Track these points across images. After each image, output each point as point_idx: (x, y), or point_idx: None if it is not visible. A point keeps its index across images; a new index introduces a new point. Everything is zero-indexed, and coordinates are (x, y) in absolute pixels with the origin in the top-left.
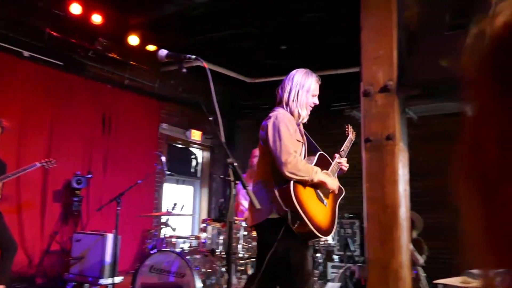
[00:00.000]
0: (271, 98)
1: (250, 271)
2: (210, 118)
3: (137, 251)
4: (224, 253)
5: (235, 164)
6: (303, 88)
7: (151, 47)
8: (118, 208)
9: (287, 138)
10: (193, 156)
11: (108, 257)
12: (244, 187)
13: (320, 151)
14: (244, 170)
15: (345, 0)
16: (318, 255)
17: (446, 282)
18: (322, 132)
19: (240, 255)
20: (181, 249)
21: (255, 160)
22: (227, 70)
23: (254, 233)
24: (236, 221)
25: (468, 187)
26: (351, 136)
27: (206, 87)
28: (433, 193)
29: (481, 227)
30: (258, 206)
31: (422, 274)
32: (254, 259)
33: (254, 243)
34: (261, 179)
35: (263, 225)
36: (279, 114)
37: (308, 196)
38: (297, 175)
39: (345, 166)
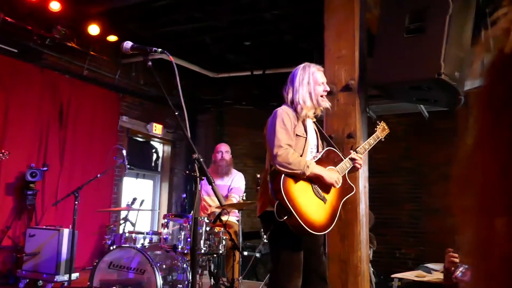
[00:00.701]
0: (234, 93)
1: (212, 267)
2: (176, 113)
3: (95, 247)
4: (185, 249)
5: (201, 159)
6: (302, 82)
7: (112, 38)
8: (76, 202)
9: (280, 132)
10: (153, 150)
11: (64, 253)
12: (210, 183)
13: (330, 147)
14: (207, 165)
15: None
16: None
17: (401, 276)
18: None
19: (202, 251)
20: (141, 245)
21: (219, 156)
22: (190, 63)
23: (216, 229)
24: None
25: (465, 212)
26: (379, 133)
27: (168, 80)
28: (388, 189)
29: (476, 251)
30: (223, 202)
31: (370, 269)
32: (216, 255)
33: (217, 239)
34: (266, 173)
35: (262, 217)
36: (279, 110)
37: (301, 190)
38: (287, 168)
39: (359, 164)
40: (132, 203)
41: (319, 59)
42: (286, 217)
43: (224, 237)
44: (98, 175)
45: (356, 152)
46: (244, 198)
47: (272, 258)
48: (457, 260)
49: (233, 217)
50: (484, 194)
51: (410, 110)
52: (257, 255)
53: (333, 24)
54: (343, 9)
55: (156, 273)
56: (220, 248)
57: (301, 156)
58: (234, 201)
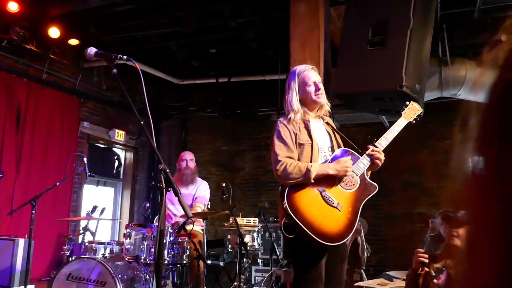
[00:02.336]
0: (199, 100)
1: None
2: (141, 122)
3: (52, 257)
4: (148, 259)
5: (167, 170)
6: (289, 87)
7: (73, 41)
8: (33, 212)
9: (277, 146)
10: (115, 157)
11: (19, 264)
12: (176, 194)
13: (346, 146)
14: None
15: (275, 8)
16: (244, 260)
17: (364, 284)
18: (249, 136)
19: (166, 262)
20: (102, 256)
21: (183, 164)
22: (154, 70)
23: (181, 239)
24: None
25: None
26: (405, 117)
27: (131, 86)
28: None
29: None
30: (190, 214)
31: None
32: (179, 265)
33: (181, 249)
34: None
35: (282, 229)
36: (277, 122)
37: (310, 202)
38: (290, 180)
39: (378, 158)
40: (92, 211)
41: (284, 68)
42: (293, 235)
43: (188, 247)
44: (57, 183)
45: (376, 147)
46: (209, 206)
47: (293, 270)
48: (426, 260)
49: (197, 226)
50: None
51: (372, 120)
52: (221, 263)
53: (298, 34)
54: (308, 19)
55: (118, 285)
56: (184, 258)
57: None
58: (199, 210)
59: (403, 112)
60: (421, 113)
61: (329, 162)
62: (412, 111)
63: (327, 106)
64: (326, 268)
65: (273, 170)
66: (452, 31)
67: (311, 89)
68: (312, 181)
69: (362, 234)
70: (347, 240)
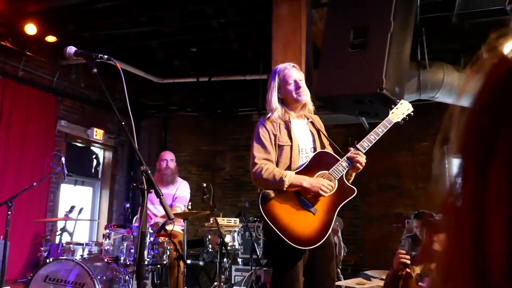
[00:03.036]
0: (179, 99)
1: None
2: (123, 123)
3: (28, 259)
4: (128, 260)
5: (149, 172)
6: (270, 87)
7: (50, 38)
8: (9, 212)
9: (255, 148)
10: (94, 156)
11: None
12: (158, 196)
13: (324, 147)
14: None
15: (258, 9)
16: (225, 259)
17: (343, 284)
18: (230, 136)
19: (145, 262)
20: (80, 257)
21: (164, 164)
22: (133, 68)
23: (161, 239)
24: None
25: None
26: (392, 117)
27: (110, 84)
28: None
29: None
30: (172, 216)
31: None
32: (159, 266)
33: (161, 249)
34: None
35: (262, 231)
36: (258, 124)
37: (284, 205)
38: (264, 185)
39: (359, 161)
40: (70, 211)
41: (266, 69)
42: (270, 237)
43: (168, 247)
44: (34, 184)
45: (358, 149)
46: (189, 207)
47: (272, 270)
48: (408, 261)
49: (177, 227)
50: None
51: (352, 121)
52: (201, 263)
53: (281, 36)
54: (290, 21)
55: (97, 286)
56: (164, 258)
57: (289, 165)
58: (179, 210)
59: (390, 112)
60: (411, 111)
61: (307, 164)
62: (400, 110)
63: (310, 105)
64: (314, 269)
65: (251, 171)
66: (430, 35)
67: (292, 87)
68: (285, 189)
69: (339, 233)
70: (326, 238)
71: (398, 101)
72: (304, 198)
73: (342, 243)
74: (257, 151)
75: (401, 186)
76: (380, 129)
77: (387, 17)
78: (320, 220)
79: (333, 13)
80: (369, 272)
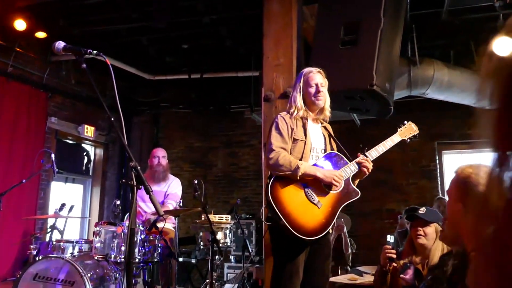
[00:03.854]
0: (171, 95)
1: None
2: (112, 119)
3: (18, 257)
4: (119, 258)
5: (138, 168)
6: (295, 85)
7: (40, 34)
8: None
9: (273, 136)
10: (85, 153)
11: None
12: (148, 192)
13: (338, 151)
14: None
15: (249, 5)
16: (216, 257)
17: (335, 280)
18: (222, 133)
19: (136, 260)
20: (70, 254)
21: (155, 161)
22: (124, 64)
23: (152, 236)
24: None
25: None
26: (400, 134)
27: (101, 81)
28: None
29: None
30: (162, 213)
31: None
32: (151, 263)
33: (152, 246)
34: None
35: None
36: (277, 116)
37: (292, 194)
38: (278, 170)
39: (367, 167)
40: (60, 209)
41: (258, 65)
42: (270, 222)
43: (159, 245)
44: (24, 181)
45: (366, 156)
46: (181, 204)
47: (274, 263)
48: (394, 256)
49: (169, 224)
50: None
51: (343, 118)
52: (193, 261)
53: (272, 32)
54: (281, 17)
55: (87, 284)
56: (156, 256)
57: (300, 159)
58: (171, 207)
59: (399, 129)
60: (417, 134)
61: (320, 160)
62: (408, 130)
63: (327, 112)
64: (311, 266)
65: (265, 158)
66: (421, 32)
67: (312, 90)
68: (299, 178)
69: (345, 230)
70: (324, 236)
71: (406, 122)
72: (310, 192)
73: (348, 239)
74: (275, 139)
75: (393, 182)
76: (388, 143)
77: (378, 13)
78: (324, 214)
79: (324, 10)
80: (361, 268)
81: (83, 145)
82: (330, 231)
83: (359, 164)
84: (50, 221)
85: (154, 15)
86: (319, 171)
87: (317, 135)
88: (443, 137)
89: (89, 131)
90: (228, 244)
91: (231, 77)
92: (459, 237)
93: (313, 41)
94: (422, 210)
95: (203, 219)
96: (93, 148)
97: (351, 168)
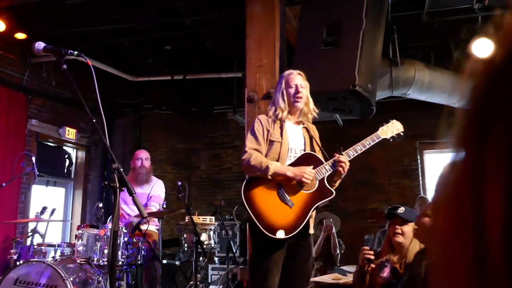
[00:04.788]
0: (154, 97)
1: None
2: (93, 120)
3: None
4: (102, 261)
5: (121, 169)
6: (277, 86)
7: (20, 35)
8: None
9: (248, 138)
10: (66, 156)
11: None
12: (131, 194)
13: (311, 151)
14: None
15: (230, 6)
16: (201, 258)
17: (319, 280)
18: (205, 134)
19: (120, 263)
20: (52, 258)
21: (138, 163)
22: (106, 66)
23: (135, 239)
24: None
25: None
26: (381, 133)
27: (83, 82)
28: None
29: None
30: (145, 214)
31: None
32: (134, 266)
33: (135, 249)
34: None
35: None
36: (256, 118)
37: (264, 194)
38: (250, 171)
39: (343, 167)
40: (42, 213)
41: (240, 67)
42: (248, 225)
43: (143, 247)
44: (3, 184)
45: (342, 155)
46: (165, 206)
47: (249, 263)
48: (372, 257)
49: (152, 226)
50: None
51: (326, 118)
52: (177, 263)
53: (255, 33)
54: (264, 18)
55: (69, 287)
56: (139, 258)
57: (277, 160)
58: (154, 209)
59: (380, 128)
60: (401, 131)
61: (293, 162)
62: (391, 129)
63: (310, 114)
64: (291, 267)
65: (240, 158)
66: (402, 33)
67: (292, 91)
68: (269, 177)
69: (334, 231)
70: (303, 237)
71: (390, 120)
72: (284, 191)
73: (337, 240)
74: (249, 141)
75: (375, 182)
76: (368, 142)
77: (359, 14)
78: (295, 213)
79: (306, 11)
80: (345, 267)
81: (64, 147)
82: (312, 232)
83: (335, 163)
84: (31, 225)
85: (136, 16)
86: (289, 169)
87: (296, 136)
88: (424, 137)
89: (70, 133)
90: (212, 245)
91: (214, 78)
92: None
93: (295, 42)
94: (402, 209)
95: (187, 220)
96: (75, 150)
97: (326, 168)
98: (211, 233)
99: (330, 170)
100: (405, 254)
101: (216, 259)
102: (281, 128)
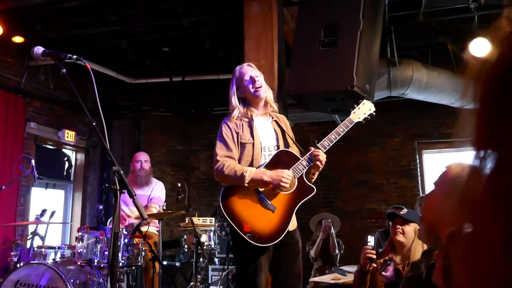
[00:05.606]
0: (152, 99)
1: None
2: (93, 123)
3: None
4: (102, 262)
5: (121, 172)
6: (230, 87)
7: (17, 39)
8: None
9: (217, 146)
10: (65, 158)
11: None
12: (131, 196)
13: (285, 148)
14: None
15: (228, 7)
16: (201, 259)
17: (318, 280)
18: (204, 135)
19: (120, 264)
20: (52, 260)
21: (138, 165)
22: (104, 68)
23: (135, 241)
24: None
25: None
26: (353, 117)
27: (81, 84)
28: None
29: None
30: (145, 216)
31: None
32: (134, 267)
33: (136, 251)
34: None
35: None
36: (221, 124)
37: (244, 201)
38: (225, 180)
39: (319, 160)
40: (41, 215)
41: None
42: (223, 232)
43: (143, 249)
44: (3, 187)
45: (318, 148)
46: (164, 207)
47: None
48: (374, 256)
49: (152, 228)
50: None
51: (325, 119)
52: (177, 264)
53: (252, 34)
54: (261, 20)
55: None
56: (139, 260)
57: (251, 162)
58: (154, 211)
59: (352, 112)
60: (373, 111)
61: (268, 162)
62: (362, 110)
63: (273, 104)
64: (280, 267)
65: (214, 170)
66: (399, 33)
67: (248, 84)
68: (246, 185)
69: (333, 231)
70: (288, 235)
71: (361, 101)
72: (264, 196)
73: (336, 240)
74: (219, 149)
75: (374, 182)
76: (341, 129)
77: (356, 15)
78: (278, 218)
79: (304, 12)
80: (344, 267)
81: (63, 150)
82: (291, 229)
83: (311, 157)
84: (31, 227)
85: (133, 18)
86: (265, 174)
87: (267, 133)
88: (423, 137)
89: (69, 136)
90: (212, 246)
91: (212, 80)
92: (436, 232)
93: (293, 43)
94: (404, 211)
95: (186, 222)
96: (74, 153)
97: (303, 164)
98: (211, 234)
99: (307, 166)
100: (407, 254)
101: (216, 260)
102: (251, 127)
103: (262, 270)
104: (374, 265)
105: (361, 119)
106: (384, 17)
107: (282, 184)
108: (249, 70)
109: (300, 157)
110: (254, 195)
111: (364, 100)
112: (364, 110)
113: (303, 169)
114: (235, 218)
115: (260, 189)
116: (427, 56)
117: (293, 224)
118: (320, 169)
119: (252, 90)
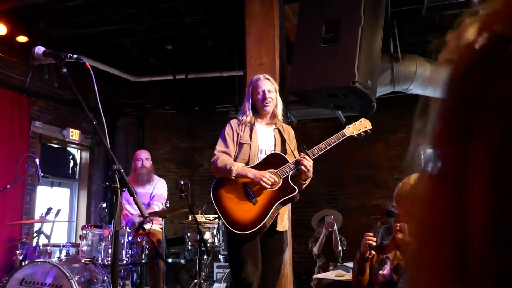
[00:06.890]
0: (156, 97)
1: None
2: (94, 122)
3: (2, 262)
4: (106, 260)
5: (121, 170)
6: (245, 94)
7: (21, 38)
8: None
9: (218, 142)
10: (70, 157)
11: None
12: (132, 194)
13: (278, 152)
14: (127, 172)
15: (230, 4)
16: (205, 257)
17: (322, 276)
18: (207, 133)
19: (124, 262)
20: (57, 258)
21: (139, 163)
22: (107, 66)
23: (139, 238)
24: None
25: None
26: (347, 131)
27: (84, 83)
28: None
29: None
30: (146, 214)
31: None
32: (138, 265)
33: (139, 248)
34: None
35: None
36: (227, 123)
37: (231, 192)
38: (218, 173)
39: (305, 166)
40: (47, 213)
41: (241, 65)
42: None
43: (147, 246)
44: (8, 186)
45: (308, 155)
46: (168, 205)
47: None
48: (373, 243)
49: (156, 225)
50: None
51: (328, 115)
52: (182, 261)
53: (254, 31)
54: (263, 17)
55: (74, 287)
56: (143, 257)
57: (247, 162)
58: (157, 209)
59: (346, 127)
60: (369, 129)
61: (260, 162)
62: (358, 127)
63: (280, 116)
64: (264, 258)
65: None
66: (402, 28)
67: (260, 97)
68: (233, 177)
69: (335, 227)
70: (276, 232)
71: (360, 119)
72: (249, 190)
73: (338, 237)
74: (218, 145)
75: (378, 178)
76: (333, 140)
77: (358, 11)
78: (257, 210)
79: (305, 8)
80: (348, 264)
81: (68, 148)
82: (282, 229)
83: (297, 163)
84: (37, 226)
85: (135, 16)
86: (250, 171)
87: (266, 137)
88: None
89: (74, 134)
90: (216, 243)
91: (216, 77)
92: None
93: (295, 40)
94: None
95: (190, 219)
96: (79, 151)
97: (290, 166)
98: (215, 231)
99: (293, 169)
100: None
101: (221, 257)
102: (251, 130)
103: (249, 263)
104: (374, 252)
105: (354, 134)
106: (386, 13)
107: (262, 183)
108: (265, 85)
109: (289, 160)
110: (241, 189)
111: (362, 118)
112: (360, 127)
113: (289, 171)
114: (221, 207)
115: (247, 184)
116: (430, 51)
117: (283, 226)
118: (309, 176)
119: (261, 104)
